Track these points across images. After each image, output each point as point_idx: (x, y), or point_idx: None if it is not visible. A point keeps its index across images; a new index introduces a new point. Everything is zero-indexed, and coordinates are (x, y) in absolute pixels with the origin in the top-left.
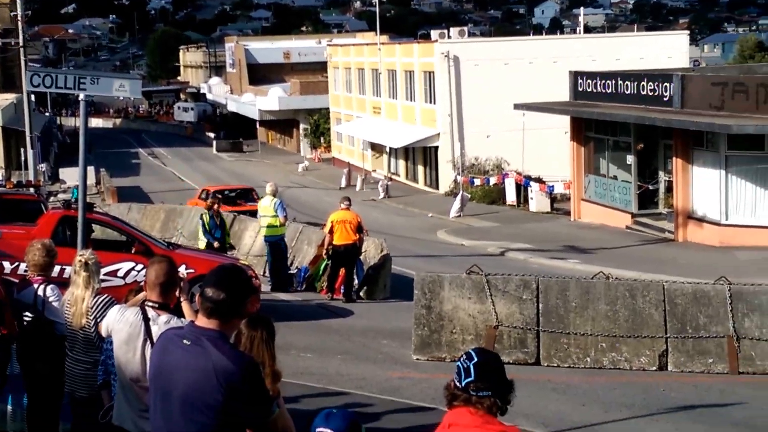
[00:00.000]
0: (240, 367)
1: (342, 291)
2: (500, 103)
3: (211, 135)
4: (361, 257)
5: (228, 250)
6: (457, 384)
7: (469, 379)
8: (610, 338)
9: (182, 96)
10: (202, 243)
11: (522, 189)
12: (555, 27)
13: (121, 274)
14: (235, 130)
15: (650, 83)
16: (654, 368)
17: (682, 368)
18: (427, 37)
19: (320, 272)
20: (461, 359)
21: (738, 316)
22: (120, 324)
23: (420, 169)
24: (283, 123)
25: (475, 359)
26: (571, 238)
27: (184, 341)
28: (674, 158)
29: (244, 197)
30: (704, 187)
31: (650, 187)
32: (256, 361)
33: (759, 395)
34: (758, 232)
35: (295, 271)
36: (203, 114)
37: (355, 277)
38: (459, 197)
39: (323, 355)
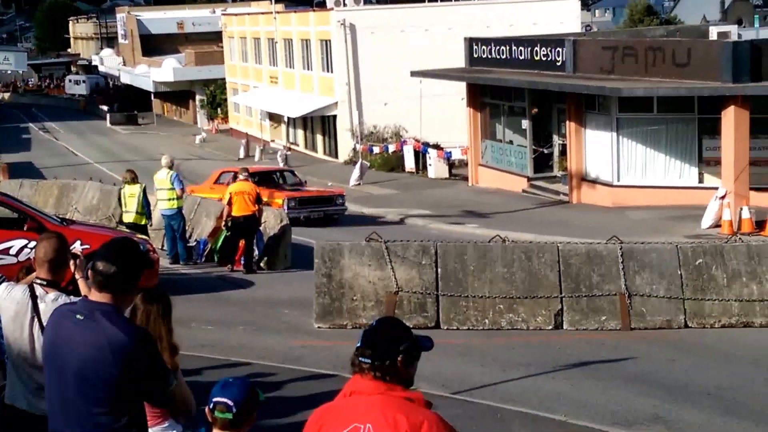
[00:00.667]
0: (134, 340)
1: (242, 262)
2: (397, 71)
3: (105, 108)
4: (261, 228)
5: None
6: (356, 351)
7: (357, 345)
8: (507, 300)
9: (73, 69)
10: (129, 216)
11: (420, 156)
12: None
13: (13, 252)
14: (130, 103)
15: (543, 48)
16: (550, 327)
17: (577, 326)
18: (322, 5)
19: (220, 244)
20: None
21: (629, 273)
22: (7, 302)
23: (319, 138)
24: (179, 94)
25: (373, 327)
26: (469, 203)
27: (77, 316)
28: (568, 122)
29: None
30: (597, 149)
31: (545, 151)
32: (152, 334)
33: (650, 350)
34: (649, 192)
35: (194, 243)
36: (96, 87)
37: (255, 248)
38: (358, 166)
39: (225, 327)
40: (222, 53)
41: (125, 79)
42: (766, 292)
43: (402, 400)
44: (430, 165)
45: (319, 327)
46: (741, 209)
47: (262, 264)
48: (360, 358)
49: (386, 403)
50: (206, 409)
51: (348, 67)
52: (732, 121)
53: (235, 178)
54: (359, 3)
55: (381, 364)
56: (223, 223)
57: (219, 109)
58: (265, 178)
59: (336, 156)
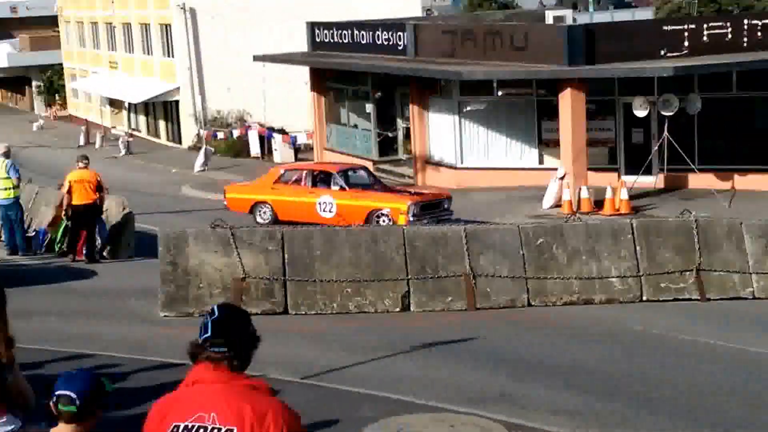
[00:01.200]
0: None
1: (84, 252)
2: (240, 56)
3: None
4: (103, 216)
5: None
6: (198, 340)
7: (206, 335)
8: (354, 283)
9: None
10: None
11: (266, 141)
12: None
13: None
14: None
15: (385, 33)
16: (397, 309)
17: (424, 308)
18: None
19: (60, 234)
20: (205, 314)
21: (474, 255)
22: None
23: (161, 123)
24: (14, 81)
25: (215, 315)
26: None
27: None
28: (411, 105)
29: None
30: (440, 132)
31: (389, 135)
32: None
33: (495, 329)
34: (491, 173)
35: (33, 233)
36: None
37: (97, 236)
38: (202, 151)
39: (67, 318)
40: (59, 38)
41: None
42: (604, 269)
43: (246, 388)
44: (275, 150)
45: (165, 315)
46: (580, 189)
47: (105, 253)
48: (213, 348)
49: (230, 391)
50: (50, 403)
51: (189, 51)
52: (569, 103)
53: (317, 179)
54: None
55: (235, 352)
56: (63, 212)
57: (57, 96)
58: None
59: (180, 142)
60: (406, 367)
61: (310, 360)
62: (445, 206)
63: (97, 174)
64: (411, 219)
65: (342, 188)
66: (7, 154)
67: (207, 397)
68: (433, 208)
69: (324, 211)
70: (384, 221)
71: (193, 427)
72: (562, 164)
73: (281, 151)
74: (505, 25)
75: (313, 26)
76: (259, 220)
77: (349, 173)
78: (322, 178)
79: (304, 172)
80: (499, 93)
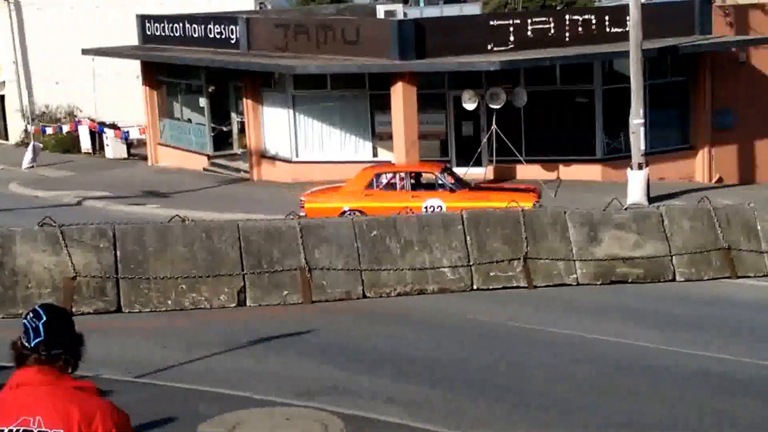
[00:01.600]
0: None
1: None
2: (69, 49)
3: None
4: None
5: None
6: (26, 344)
7: (39, 339)
8: (189, 280)
9: None
10: None
11: (97, 136)
12: None
13: None
14: None
15: (217, 26)
16: (233, 305)
17: (260, 302)
18: None
19: None
20: (28, 317)
21: (309, 248)
22: None
23: None
24: None
25: (44, 318)
26: (149, 183)
27: None
28: (245, 99)
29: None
30: (275, 126)
31: (224, 129)
32: None
33: (331, 321)
34: (326, 166)
35: None
36: None
37: None
38: (30, 147)
39: None
40: None
41: None
42: (436, 260)
43: (73, 390)
44: (107, 145)
45: None
46: None
47: None
48: (46, 351)
49: (56, 394)
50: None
51: (15, 45)
52: (400, 96)
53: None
54: None
55: (68, 353)
56: None
57: None
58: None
59: (6, 138)
60: (242, 362)
61: (145, 358)
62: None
63: None
64: None
65: (451, 190)
66: None
67: (32, 401)
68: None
69: None
70: None
71: (18, 431)
72: (396, 157)
73: (113, 147)
74: (337, 19)
75: (143, 19)
76: None
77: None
78: (421, 180)
79: (401, 174)
80: (333, 87)
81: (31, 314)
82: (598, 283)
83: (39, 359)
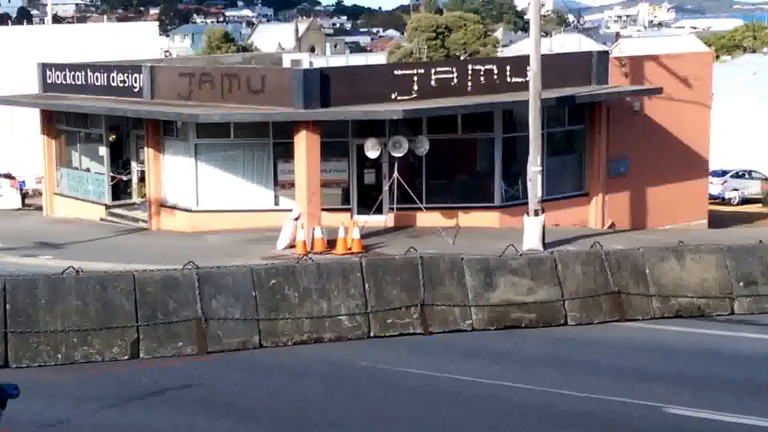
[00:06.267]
0: None
1: None
2: None
3: None
4: None
5: None
6: None
7: None
8: (81, 332)
9: None
10: None
11: None
12: (23, 17)
13: None
14: None
15: (120, 74)
16: (126, 357)
17: (154, 354)
18: None
19: None
20: None
21: (206, 298)
22: None
23: None
24: None
25: None
26: (44, 234)
27: None
28: (146, 148)
29: None
30: (176, 175)
31: (123, 178)
32: None
33: (224, 372)
34: (227, 216)
35: None
36: None
37: None
38: None
39: None
40: None
41: None
42: (334, 307)
43: None
44: (1, 195)
45: None
46: (314, 229)
47: None
48: None
49: None
50: None
51: None
52: (304, 145)
53: None
54: None
55: None
56: None
57: None
58: None
59: None
60: (132, 415)
61: (31, 414)
62: None
63: None
64: None
65: None
66: None
67: None
68: None
69: None
70: None
71: None
72: (297, 205)
73: (7, 197)
74: (243, 68)
75: (44, 67)
76: None
77: None
78: None
79: None
80: (236, 135)
81: None
82: (493, 328)
83: None
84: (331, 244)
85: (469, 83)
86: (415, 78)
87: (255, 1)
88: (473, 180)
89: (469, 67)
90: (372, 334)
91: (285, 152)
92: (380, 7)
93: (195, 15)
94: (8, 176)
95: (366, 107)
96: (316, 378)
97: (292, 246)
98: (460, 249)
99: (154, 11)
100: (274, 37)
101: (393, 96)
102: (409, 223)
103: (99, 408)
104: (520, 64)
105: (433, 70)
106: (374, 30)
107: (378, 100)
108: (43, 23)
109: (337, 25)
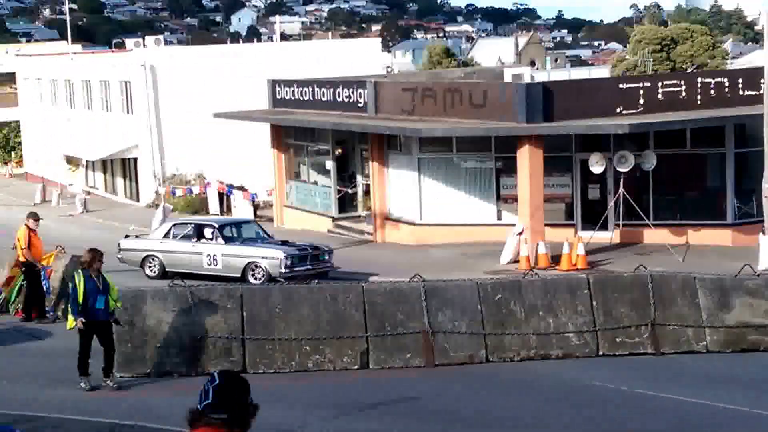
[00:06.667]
0: None
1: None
2: (201, 113)
3: None
4: (54, 274)
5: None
6: (198, 406)
7: (207, 402)
8: (314, 341)
9: None
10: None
11: (225, 198)
12: (252, 35)
13: None
14: None
15: (346, 90)
16: (356, 367)
17: (383, 365)
18: (122, 46)
19: (15, 293)
20: (206, 381)
21: (432, 311)
22: None
23: (119, 181)
24: None
25: (217, 381)
26: None
27: None
28: (371, 162)
29: None
30: (400, 188)
31: (349, 191)
32: None
33: (453, 385)
34: (450, 229)
35: None
36: None
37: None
38: (161, 209)
39: (20, 381)
40: (16, 94)
41: None
42: (561, 324)
43: None
44: (234, 207)
45: (121, 376)
46: (537, 245)
47: (59, 313)
48: (213, 414)
49: None
50: None
51: (149, 108)
52: (527, 159)
53: None
54: (160, 44)
55: (234, 418)
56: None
57: (13, 153)
58: None
59: (138, 199)
60: (365, 424)
61: (266, 419)
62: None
63: (27, 232)
64: None
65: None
66: None
67: None
68: None
69: None
70: None
71: None
72: (520, 220)
73: (240, 208)
74: (465, 82)
75: (274, 83)
76: None
77: None
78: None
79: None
80: (459, 149)
81: (209, 378)
82: (729, 350)
83: (209, 422)
84: (555, 259)
85: (698, 96)
86: (641, 91)
87: (475, 15)
88: (703, 196)
89: (698, 79)
90: (600, 353)
91: (507, 167)
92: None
93: (415, 30)
94: (241, 188)
95: (590, 121)
96: (543, 395)
97: (515, 261)
98: (691, 267)
99: (376, 27)
100: (493, 52)
101: (618, 110)
102: (635, 239)
103: (331, 416)
104: (752, 76)
105: (659, 83)
106: (596, 43)
107: (602, 114)
108: (272, 41)
109: (558, 39)
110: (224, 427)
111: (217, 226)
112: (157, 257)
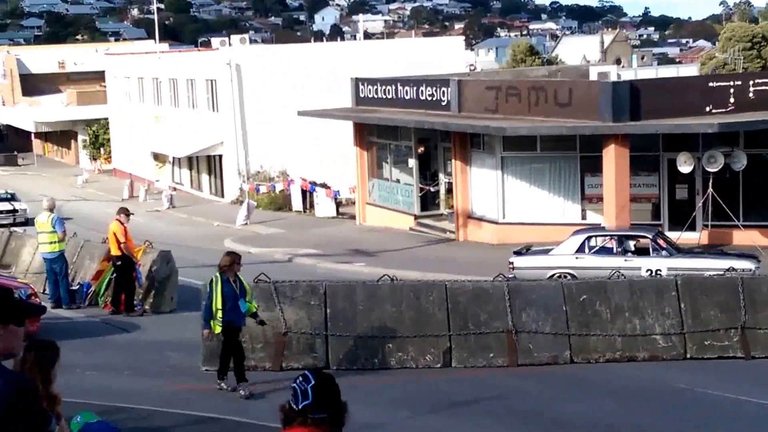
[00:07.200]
0: (7, 385)
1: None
2: (284, 110)
3: None
4: (144, 268)
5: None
6: (294, 406)
7: (307, 402)
8: (396, 339)
9: None
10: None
11: (308, 195)
12: (336, 33)
13: None
14: (9, 143)
15: (429, 88)
16: (439, 365)
17: (465, 364)
18: (208, 45)
19: (104, 287)
20: (297, 381)
21: (516, 311)
22: None
23: (205, 177)
24: (60, 134)
25: (313, 382)
26: (357, 242)
27: None
28: (453, 160)
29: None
30: (482, 187)
31: (431, 189)
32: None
33: (536, 386)
34: (533, 228)
35: (77, 287)
36: None
37: (138, 287)
38: (245, 205)
39: (109, 372)
40: (105, 92)
41: (4, 119)
42: (648, 326)
43: None
44: (317, 204)
45: (206, 370)
46: None
47: (146, 306)
48: (313, 414)
49: None
50: None
51: (234, 106)
52: (612, 159)
53: None
54: (245, 43)
55: (335, 417)
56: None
57: (102, 149)
58: None
59: (222, 195)
60: (446, 424)
61: (353, 417)
62: None
63: (119, 226)
64: None
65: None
66: (51, 208)
67: None
68: None
69: None
70: None
71: None
72: (605, 220)
73: (323, 205)
74: (550, 81)
75: (357, 82)
76: None
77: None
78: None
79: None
80: (543, 148)
81: (301, 378)
82: None
83: (305, 422)
84: None
85: None
86: (732, 90)
87: (559, 13)
88: None
89: None
90: (688, 356)
91: (592, 166)
92: (690, 17)
93: (499, 29)
94: (324, 186)
95: (678, 120)
96: (629, 397)
97: None
98: None
99: (459, 26)
100: (578, 50)
101: (707, 109)
102: (724, 240)
103: (415, 414)
104: None
105: (751, 82)
106: (683, 40)
107: (690, 113)
108: (355, 39)
109: (644, 36)
110: (322, 426)
111: (650, 236)
112: (570, 275)
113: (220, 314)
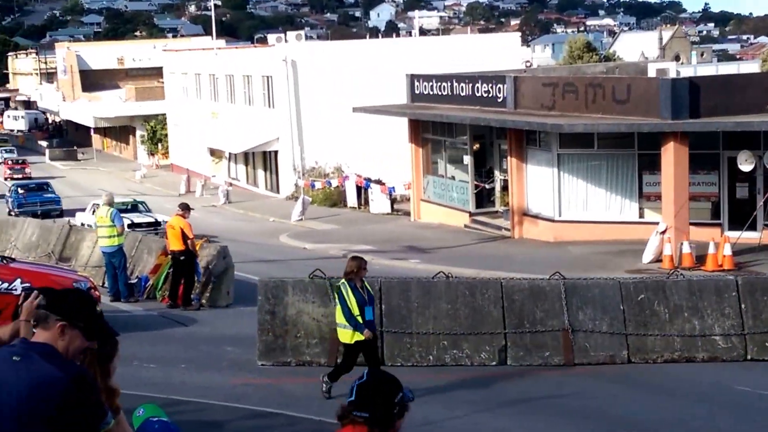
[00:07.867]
0: (68, 377)
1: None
2: (340, 107)
3: (44, 143)
4: (201, 263)
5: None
6: (346, 403)
7: (351, 399)
8: (451, 336)
9: (12, 104)
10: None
11: (363, 191)
12: (391, 30)
13: None
14: (69, 138)
15: (485, 85)
16: (494, 363)
17: (521, 362)
18: (264, 41)
19: (161, 281)
20: (356, 377)
21: (572, 309)
22: None
23: (260, 173)
24: (119, 130)
25: (363, 380)
26: (411, 239)
27: (14, 357)
28: (509, 157)
29: None
30: (538, 184)
31: (487, 186)
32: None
33: (593, 385)
34: (590, 227)
35: (136, 280)
36: (35, 122)
37: (197, 282)
38: (300, 201)
39: (166, 365)
40: (163, 88)
41: (65, 114)
42: (707, 327)
43: None
44: (372, 200)
45: (262, 364)
46: (681, 244)
47: (203, 300)
48: (355, 412)
49: None
50: None
51: (290, 102)
52: (671, 156)
53: None
54: (301, 40)
55: (378, 418)
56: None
57: (160, 145)
58: None
59: (278, 191)
60: (502, 422)
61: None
62: None
63: (181, 222)
64: None
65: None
66: (110, 203)
67: None
68: None
69: None
70: None
71: None
72: (664, 218)
73: (378, 202)
74: (607, 77)
75: (413, 78)
76: None
77: None
78: None
79: None
80: (600, 146)
81: (360, 374)
82: None
83: (352, 420)
84: (700, 259)
85: None
86: None
87: (617, 9)
88: None
89: None
90: (749, 357)
91: (650, 164)
92: (751, 13)
93: (555, 25)
94: (379, 182)
95: (739, 118)
96: (686, 398)
97: (658, 260)
98: None
99: (515, 22)
100: (636, 46)
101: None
102: None
103: (470, 412)
104: None
105: None
106: (744, 37)
107: (752, 110)
108: (410, 35)
109: (704, 33)
110: (366, 425)
111: None
112: None
113: (360, 320)
